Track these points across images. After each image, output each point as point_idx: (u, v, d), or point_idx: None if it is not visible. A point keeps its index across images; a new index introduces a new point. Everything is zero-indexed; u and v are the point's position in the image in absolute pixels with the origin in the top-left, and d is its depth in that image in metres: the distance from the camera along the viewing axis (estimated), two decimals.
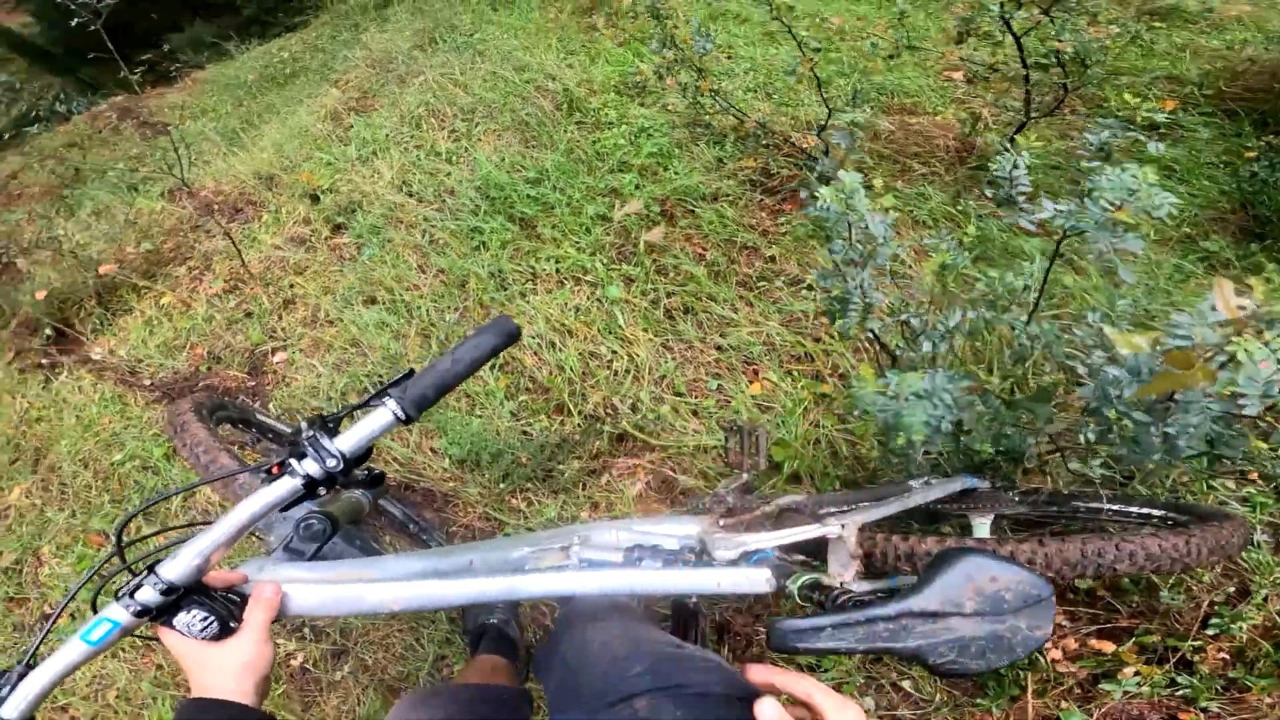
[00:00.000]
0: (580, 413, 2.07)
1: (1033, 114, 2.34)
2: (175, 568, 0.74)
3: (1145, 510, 1.36)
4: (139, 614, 0.73)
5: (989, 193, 1.50)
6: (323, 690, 1.71)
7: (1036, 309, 1.38)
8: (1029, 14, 2.11)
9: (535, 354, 2.24)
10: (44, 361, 2.76)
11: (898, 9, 2.34)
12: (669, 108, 2.99)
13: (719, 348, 2.17)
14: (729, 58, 3.30)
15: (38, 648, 0.74)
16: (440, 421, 2.11)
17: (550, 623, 1.67)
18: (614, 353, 2.21)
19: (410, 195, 2.83)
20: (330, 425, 0.81)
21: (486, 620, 1.57)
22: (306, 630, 1.79)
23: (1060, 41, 2.08)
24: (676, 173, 2.68)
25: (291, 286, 2.66)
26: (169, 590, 0.73)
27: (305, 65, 4.60)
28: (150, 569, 0.74)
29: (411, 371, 0.84)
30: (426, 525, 1.75)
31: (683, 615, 1.24)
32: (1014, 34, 2.13)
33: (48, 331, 2.81)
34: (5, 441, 2.49)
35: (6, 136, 5.18)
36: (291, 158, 3.29)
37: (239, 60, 5.24)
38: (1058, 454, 1.47)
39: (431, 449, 2.10)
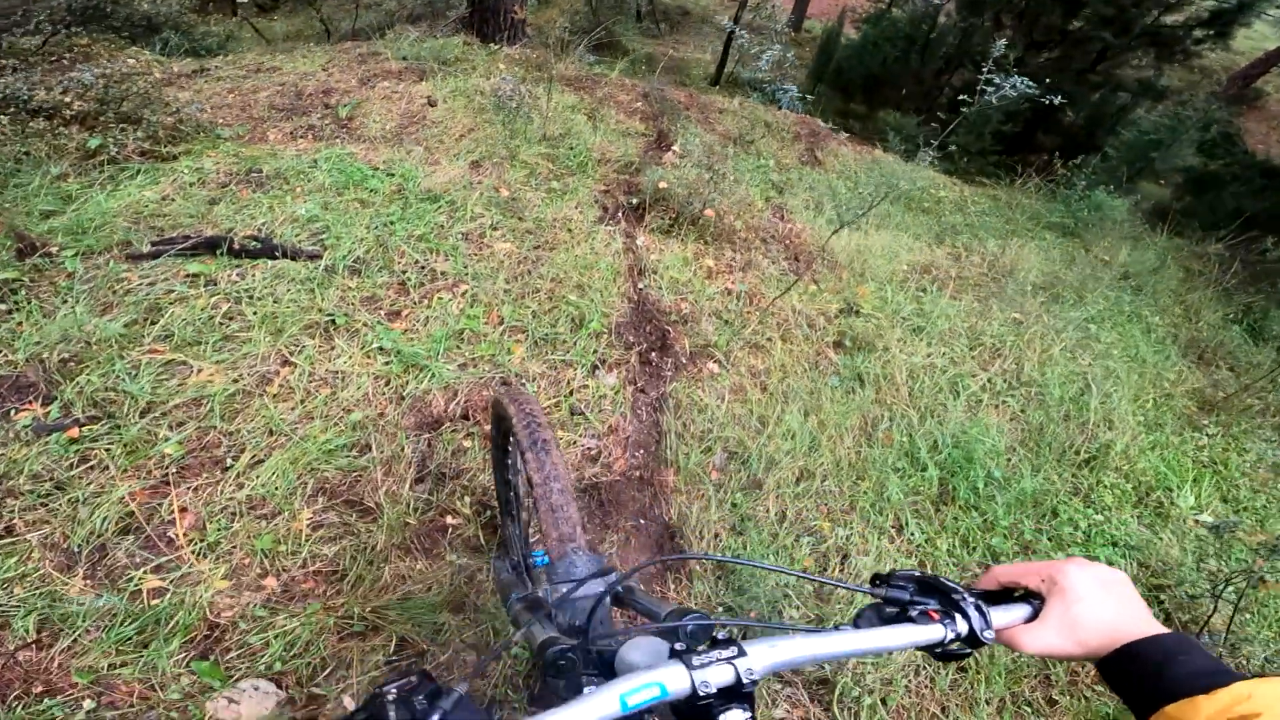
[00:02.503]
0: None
1: None
2: (764, 657, 0.65)
3: None
4: (699, 698, 0.61)
5: None
6: None
7: None
8: None
9: None
10: (621, 225, 3.54)
11: None
12: (1158, 550, 2.57)
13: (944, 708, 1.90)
14: None
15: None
16: None
17: None
18: None
19: (909, 385, 2.88)
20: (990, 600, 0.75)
21: None
22: None
23: None
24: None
25: (770, 341, 2.95)
26: (743, 685, 0.62)
27: (944, 214, 4.90)
28: (739, 648, 0.65)
29: None
30: None
31: None
32: None
33: (635, 201, 3.59)
34: (548, 234, 3.21)
35: None
36: (869, 268, 3.60)
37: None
38: None
39: None
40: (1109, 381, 3.27)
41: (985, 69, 2.80)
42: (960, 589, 0.73)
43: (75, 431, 1.88)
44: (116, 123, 3.16)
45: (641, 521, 2.18)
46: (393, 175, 3.32)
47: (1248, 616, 2.30)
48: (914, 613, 0.72)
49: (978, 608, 0.71)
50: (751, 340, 2.93)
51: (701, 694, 0.60)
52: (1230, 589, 2.19)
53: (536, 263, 2.97)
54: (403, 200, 3.14)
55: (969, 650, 0.72)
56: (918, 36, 9.57)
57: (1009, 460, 2.73)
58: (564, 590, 0.95)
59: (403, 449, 2.12)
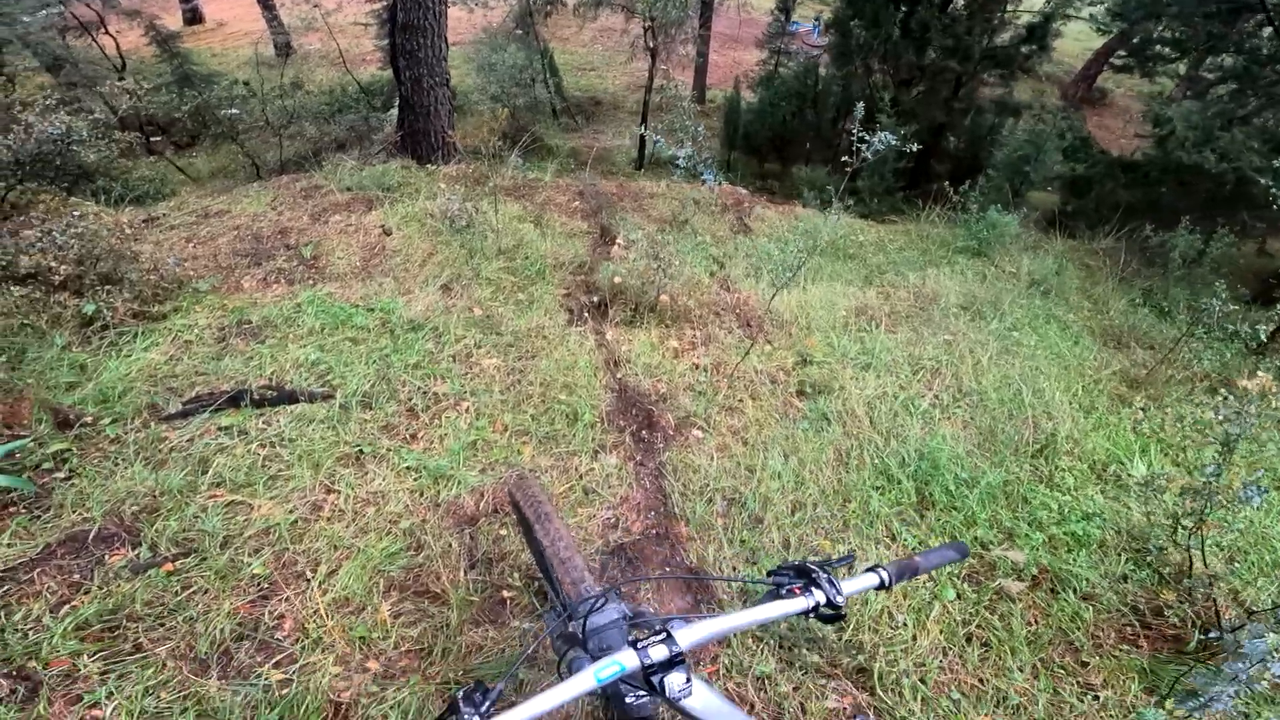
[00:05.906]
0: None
1: None
2: (688, 636, 0.87)
3: None
4: (647, 667, 0.84)
5: None
6: None
7: None
8: None
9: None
10: (589, 324, 3.92)
11: None
12: (1128, 517, 2.84)
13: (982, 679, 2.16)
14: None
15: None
16: None
17: None
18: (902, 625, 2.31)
19: (868, 415, 3.25)
20: (831, 571, 1.00)
21: None
22: None
23: None
24: (1077, 561, 2.59)
25: (742, 401, 3.32)
26: (676, 655, 0.85)
27: (867, 257, 5.43)
28: (667, 632, 0.86)
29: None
30: None
31: None
32: None
33: (595, 299, 3.97)
34: (526, 344, 3.58)
35: None
36: (814, 321, 4.02)
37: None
38: None
39: None
40: (1040, 379, 3.71)
41: (854, 130, 3.21)
42: (820, 570, 0.98)
43: (170, 566, 2.15)
44: (100, 284, 3.28)
45: (667, 569, 2.47)
46: (373, 310, 3.60)
47: (1216, 557, 2.60)
48: (783, 592, 0.96)
49: (830, 582, 0.96)
50: (725, 404, 3.28)
51: (647, 665, 0.85)
52: (1183, 533, 2.48)
53: (523, 372, 3.29)
54: (390, 333, 3.43)
55: (839, 614, 0.95)
56: (806, 92, 10.46)
57: (971, 462, 3.05)
58: (583, 622, 1.07)
59: (450, 545, 2.41)
